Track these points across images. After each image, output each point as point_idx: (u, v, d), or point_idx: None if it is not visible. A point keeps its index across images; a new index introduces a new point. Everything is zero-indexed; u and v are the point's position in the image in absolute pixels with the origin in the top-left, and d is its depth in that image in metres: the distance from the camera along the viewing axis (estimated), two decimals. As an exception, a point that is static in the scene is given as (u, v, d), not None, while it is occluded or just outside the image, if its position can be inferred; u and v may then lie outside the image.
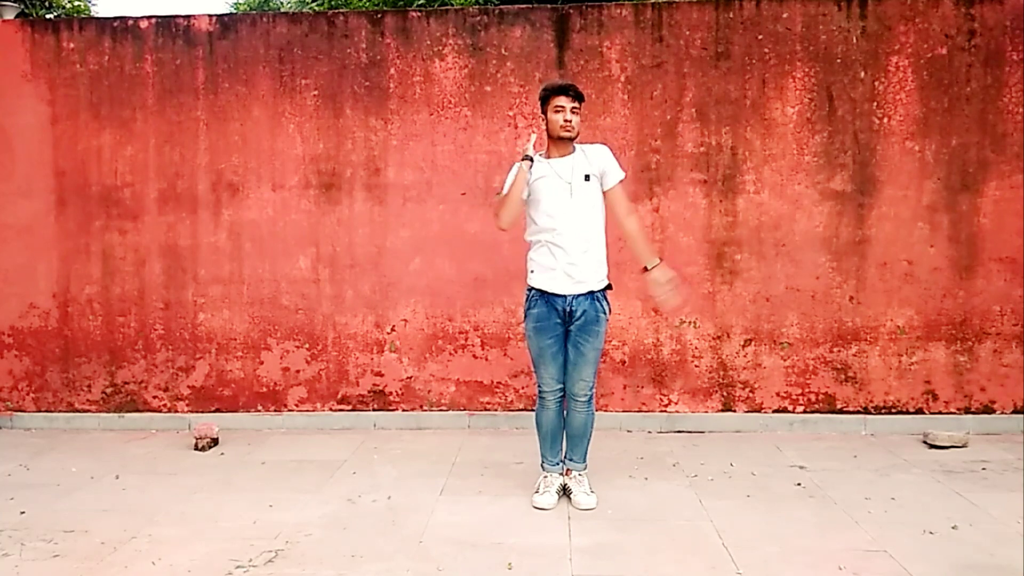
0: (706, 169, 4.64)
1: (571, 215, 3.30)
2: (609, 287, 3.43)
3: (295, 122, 4.76)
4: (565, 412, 3.52)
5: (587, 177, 3.32)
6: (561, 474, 3.53)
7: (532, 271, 3.42)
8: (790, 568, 2.79)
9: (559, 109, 3.28)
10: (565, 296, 3.33)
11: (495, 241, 4.70)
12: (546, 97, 3.33)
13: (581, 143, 3.44)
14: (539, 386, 3.48)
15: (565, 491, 3.49)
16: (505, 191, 3.36)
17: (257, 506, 3.46)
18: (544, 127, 3.37)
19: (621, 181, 3.41)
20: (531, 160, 3.30)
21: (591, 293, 3.35)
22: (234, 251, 4.83)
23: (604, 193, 3.39)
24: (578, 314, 3.34)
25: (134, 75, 4.80)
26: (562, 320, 3.36)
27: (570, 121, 3.28)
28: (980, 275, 4.57)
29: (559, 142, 3.35)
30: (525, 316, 3.46)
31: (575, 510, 3.36)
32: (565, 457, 3.54)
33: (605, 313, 3.40)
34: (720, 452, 4.22)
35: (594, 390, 3.45)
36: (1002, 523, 3.18)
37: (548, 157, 3.38)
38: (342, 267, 4.80)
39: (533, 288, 3.41)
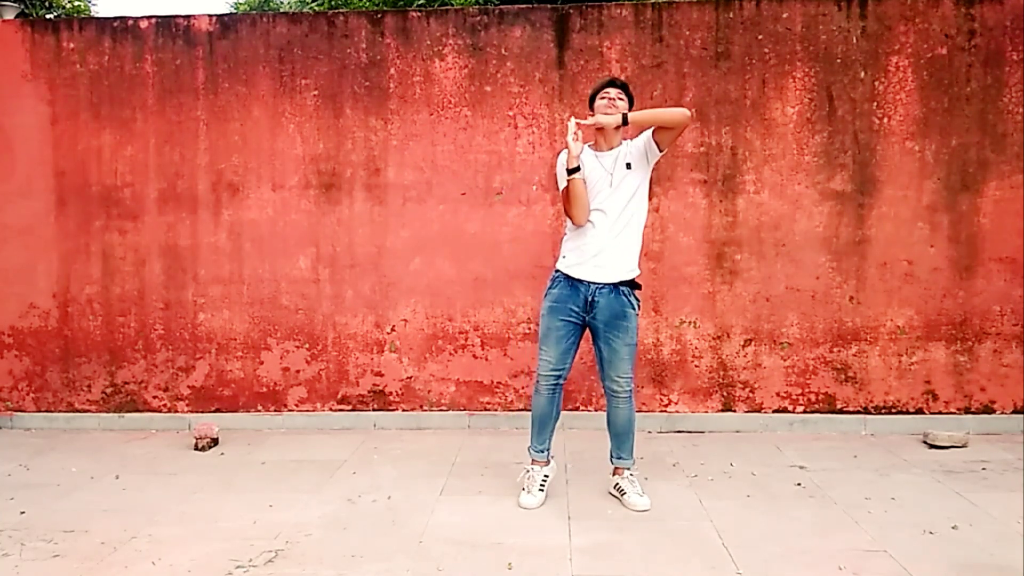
0: (706, 169, 4.64)
1: (609, 205, 3.31)
2: (638, 286, 3.41)
3: (295, 122, 4.77)
4: (610, 409, 3.47)
5: (628, 166, 3.31)
6: (545, 463, 3.52)
7: (564, 256, 3.43)
8: (790, 568, 2.79)
9: (605, 96, 3.34)
10: (588, 284, 3.33)
11: (495, 241, 4.70)
12: (593, 95, 3.40)
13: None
14: (537, 369, 3.47)
15: (618, 489, 3.46)
16: (569, 206, 3.34)
17: (257, 506, 3.46)
18: (593, 124, 3.35)
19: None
20: (579, 169, 3.29)
21: (616, 287, 3.33)
22: (234, 251, 4.83)
23: (656, 143, 3.31)
24: (601, 307, 3.32)
25: (134, 75, 4.80)
26: (582, 308, 3.35)
27: (613, 99, 3.32)
28: (980, 275, 4.57)
29: (606, 133, 3.35)
30: (545, 295, 3.46)
31: (575, 510, 3.36)
32: (612, 456, 3.52)
33: (633, 308, 3.38)
34: (720, 452, 4.22)
35: (632, 386, 3.42)
36: (1002, 523, 3.18)
37: (596, 149, 3.39)
38: (342, 267, 4.80)
39: (559, 271, 3.42)
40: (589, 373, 4.66)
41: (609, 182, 3.31)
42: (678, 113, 3.29)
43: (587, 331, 3.46)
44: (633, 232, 3.37)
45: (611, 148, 3.37)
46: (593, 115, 3.36)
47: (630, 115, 3.28)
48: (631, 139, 3.42)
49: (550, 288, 3.45)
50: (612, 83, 3.40)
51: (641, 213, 3.39)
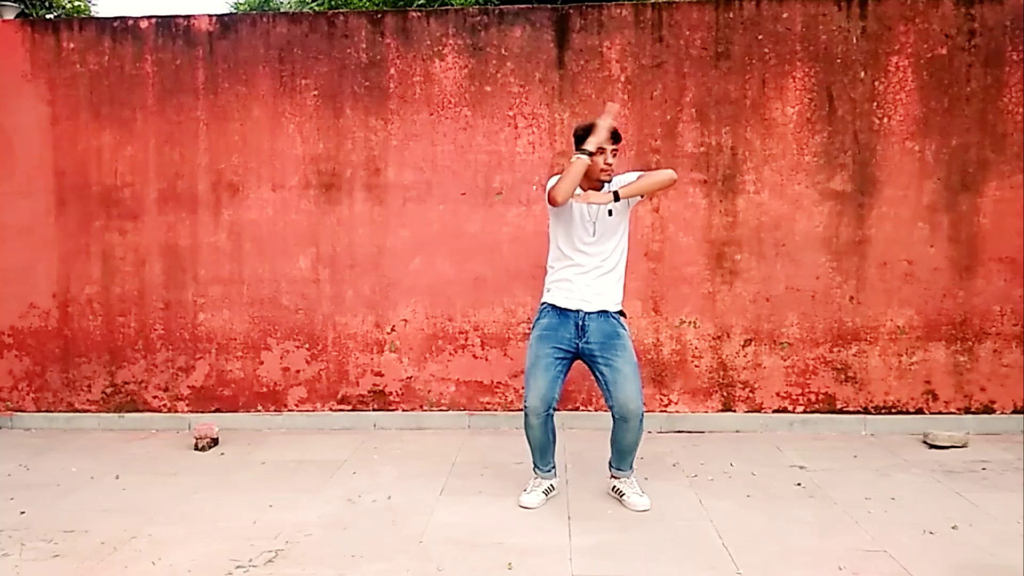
0: (706, 169, 4.64)
1: (593, 250, 3.30)
2: (624, 314, 3.40)
3: (295, 122, 4.76)
4: (618, 430, 3.40)
5: (611, 212, 3.29)
6: (552, 477, 3.52)
7: (548, 290, 3.41)
8: (790, 568, 2.79)
9: (601, 151, 3.21)
10: (578, 311, 3.31)
11: (495, 241, 4.70)
12: (583, 136, 3.24)
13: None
14: (524, 401, 3.37)
15: (616, 492, 3.46)
16: (563, 177, 3.22)
17: (257, 506, 3.46)
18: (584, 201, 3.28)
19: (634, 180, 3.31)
20: (591, 154, 3.18)
21: (604, 312, 3.32)
22: (234, 251, 4.83)
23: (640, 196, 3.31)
24: (592, 330, 3.29)
25: (134, 75, 4.80)
26: (574, 335, 3.31)
27: (611, 165, 3.25)
28: (980, 275, 4.57)
29: (594, 181, 3.29)
30: (534, 327, 3.43)
31: (575, 510, 3.36)
32: (611, 465, 3.49)
33: (624, 328, 3.36)
34: (720, 452, 4.22)
35: (644, 409, 3.33)
36: (1002, 523, 3.18)
37: (582, 188, 3.30)
38: (342, 267, 4.80)
39: (546, 302, 3.40)
40: (588, 373, 4.65)
41: (592, 231, 3.29)
42: (664, 179, 3.30)
43: (578, 363, 3.43)
44: (618, 271, 3.37)
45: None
46: (578, 154, 3.23)
47: (621, 192, 3.21)
48: (614, 175, 3.34)
49: (538, 319, 3.41)
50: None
51: (623, 250, 3.39)
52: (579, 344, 3.32)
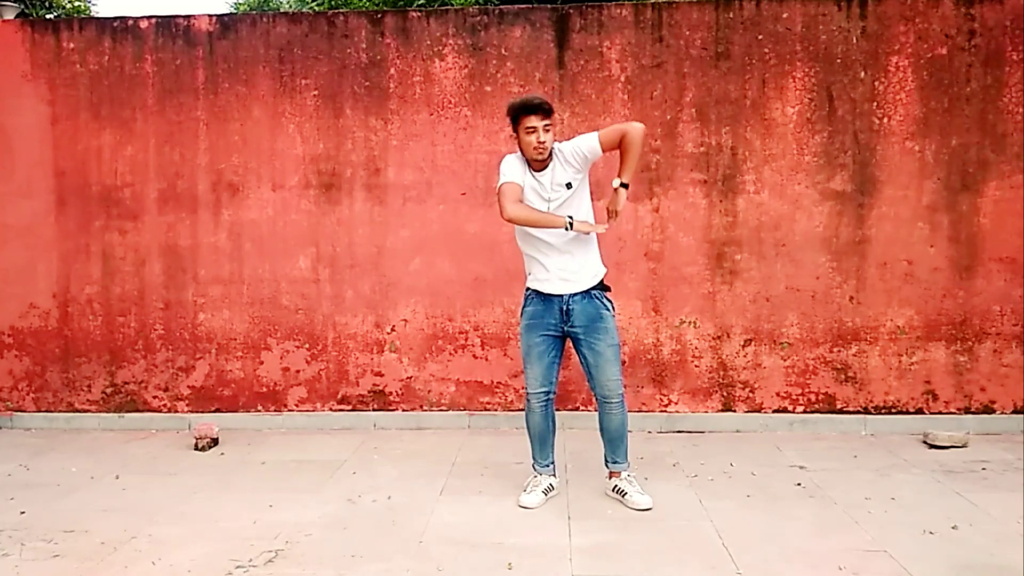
0: (706, 169, 4.64)
1: (552, 230, 3.27)
2: (607, 288, 3.43)
3: (295, 122, 4.76)
4: (603, 416, 3.46)
5: (568, 185, 3.27)
6: (550, 475, 3.54)
7: (529, 273, 3.45)
8: (790, 568, 2.79)
9: (531, 131, 3.19)
10: (562, 295, 3.33)
11: (495, 241, 4.70)
12: (515, 117, 3.23)
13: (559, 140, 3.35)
14: (526, 387, 3.48)
15: (617, 491, 3.45)
16: (531, 213, 3.23)
17: (257, 506, 3.46)
18: (518, 144, 3.30)
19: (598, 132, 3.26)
20: (571, 225, 3.19)
21: (587, 292, 3.34)
22: (234, 251, 4.83)
23: (602, 148, 3.23)
24: (577, 313, 3.33)
25: (134, 75, 4.80)
26: (560, 320, 3.35)
27: (544, 142, 3.20)
28: (980, 275, 4.57)
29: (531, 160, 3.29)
30: (521, 314, 3.48)
31: (575, 510, 3.36)
32: (607, 460, 3.51)
33: (608, 309, 3.38)
34: (720, 452, 4.22)
35: (623, 389, 3.42)
36: (1002, 523, 3.18)
37: (533, 169, 3.30)
38: (342, 267, 4.80)
39: (530, 288, 3.43)
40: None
41: (547, 208, 3.26)
42: (638, 135, 3.19)
43: (568, 343, 3.46)
44: (589, 245, 3.37)
45: (540, 169, 3.29)
46: (517, 136, 3.24)
47: (624, 178, 3.22)
48: (560, 141, 3.32)
49: (525, 306, 3.45)
50: (534, 110, 3.17)
51: (588, 215, 3.34)
52: (564, 328, 3.37)
